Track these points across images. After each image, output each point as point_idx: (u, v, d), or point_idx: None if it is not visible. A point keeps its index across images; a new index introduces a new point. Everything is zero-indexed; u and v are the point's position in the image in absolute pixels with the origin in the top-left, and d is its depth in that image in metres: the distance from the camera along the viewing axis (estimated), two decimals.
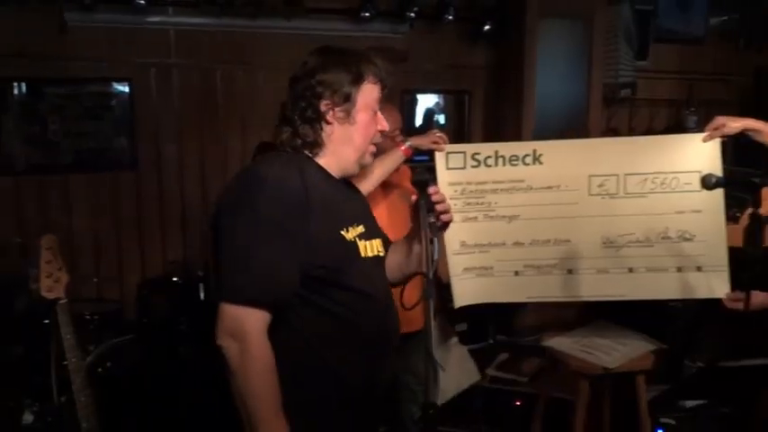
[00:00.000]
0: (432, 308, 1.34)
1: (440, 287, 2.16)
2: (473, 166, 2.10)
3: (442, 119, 4.61)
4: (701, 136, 2.01)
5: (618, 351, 2.24)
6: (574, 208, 2.10)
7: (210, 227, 1.42)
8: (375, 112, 1.52)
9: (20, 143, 3.54)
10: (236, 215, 1.34)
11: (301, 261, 1.35)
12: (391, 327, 1.54)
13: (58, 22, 3.43)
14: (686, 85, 4.62)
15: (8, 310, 2.98)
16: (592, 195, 2.10)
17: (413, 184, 1.65)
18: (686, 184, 2.05)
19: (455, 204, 2.02)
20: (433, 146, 2.25)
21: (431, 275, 1.38)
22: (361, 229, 1.49)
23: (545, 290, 2.15)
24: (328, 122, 1.46)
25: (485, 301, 2.17)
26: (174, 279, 3.42)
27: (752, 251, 1.65)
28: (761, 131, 1.90)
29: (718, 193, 2.02)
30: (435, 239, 1.43)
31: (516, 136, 3.99)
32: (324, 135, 1.46)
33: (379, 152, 2.42)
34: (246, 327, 1.29)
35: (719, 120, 1.96)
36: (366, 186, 2.26)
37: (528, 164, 2.09)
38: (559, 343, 2.35)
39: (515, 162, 2.10)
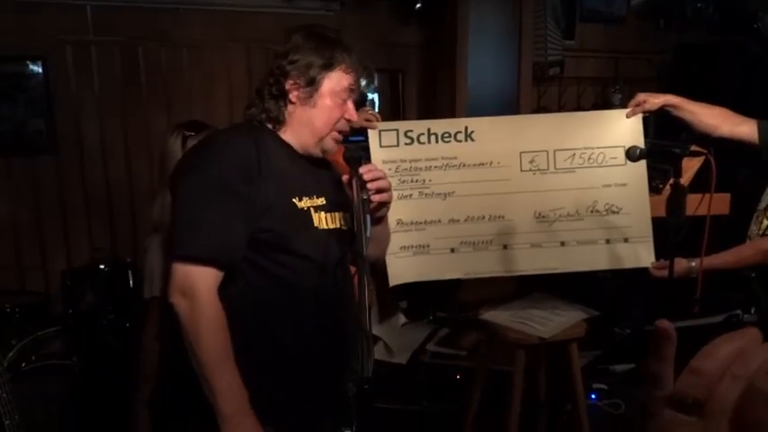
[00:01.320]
0: (366, 284, 1.33)
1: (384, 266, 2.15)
2: (406, 144, 2.09)
3: (375, 98, 4.59)
4: (624, 112, 2.08)
5: (552, 321, 2.31)
6: (507, 184, 2.13)
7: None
8: (344, 101, 1.54)
9: None
10: (187, 178, 1.42)
11: (249, 223, 1.40)
12: (341, 297, 1.55)
13: None
14: (611, 64, 4.78)
15: None
16: (524, 171, 2.13)
17: (345, 161, 1.63)
18: (612, 158, 2.12)
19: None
20: (366, 124, 2.26)
21: (364, 252, 1.37)
22: (320, 201, 1.53)
23: (481, 265, 2.17)
24: (291, 102, 1.51)
25: (422, 279, 2.18)
26: (102, 267, 3.26)
27: (674, 220, 1.73)
28: (679, 107, 1.99)
29: (642, 166, 2.10)
30: (368, 217, 1.42)
31: (450, 114, 4.01)
32: (285, 113, 1.51)
33: None
34: (196, 284, 1.33)
35: (641, 96, 2.04)
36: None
37: (460, 140, 2.10)
38: (496, 316, 2.40)
39: (447, 139, 2.10)
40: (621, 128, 2.10)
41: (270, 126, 1.53)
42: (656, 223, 2.12)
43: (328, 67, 1.50)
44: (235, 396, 1.34)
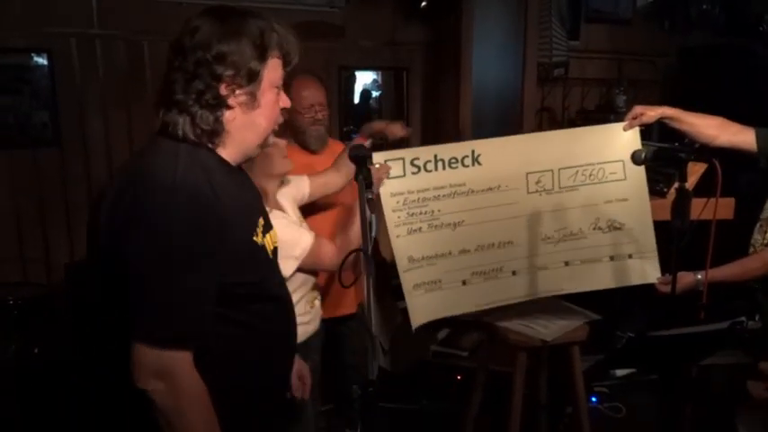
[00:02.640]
0: (371, 285, 1.32)
1: (382, 266, 2.13)
2: (413, 173, 1.99)
3: (378, 96, 4.59)
4: (621, 125, 2.06)
5: (555, 324, 2.30)
6: (514, 208, 2.08)
7: (100, 241, 1.18)
8: (279, 90, 1.33)
9: None
10: (142, 238, 1.12)
11: (221, 282, 1.19)
12: (295, 323, 1.44)
13: None
14: (616, 65, 4.76)
15: None
16: (530, 193, 2.08)
17: (351, 160, 1.63)
18: (611, 173, 2.09)
19: (399, 217, 1.96)
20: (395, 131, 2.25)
21: (369, 252, 1.37)
22: (261, 221, 1.34)
23: (491, 295, 2.11)
24: (229, 107, 1.23)
25: (438, 317, 2.10)
26: None
27: (679, 224, 1.72)
28: (676, 118, 2.00)
29: (642, 180, 2.09)
30: (374, 216, 1.41)
31: (454, 113, 4.01)
32: (224, 122, 1.23)
33: (301, 133, 2.39)
34: (173, 368, 1.13)
35: (638, 109, 2.04)
36: (335, 181, 2.22)
37: (467, 165, 2.02)
38: (497, 317, 2.39)
39: (455, 165, 2.02)
40: (620, 141, 2.06)
41: (206, 142, 1.24)
42: (660, 227, 2.11)
43: (264, 54, 1.24)
44: None
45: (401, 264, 1.98)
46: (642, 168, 2.07)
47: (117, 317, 1.17)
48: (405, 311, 2.01)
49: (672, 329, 1.71)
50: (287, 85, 2.42)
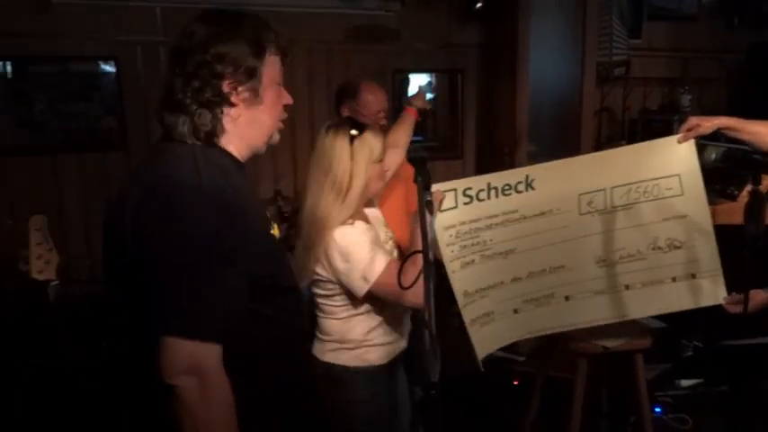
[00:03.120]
0: (432, 287, 1.32)
1: (439, 266, 2.12)
2: (465, 204, 1.90)
3: (433, 98, 4.57)
4: (675, 138, 1.94)
5: (617, 330, 2.23)
6: (566, 231, 1.98)
7: (122, 245, 1.18)
8: (280, 86, 1.34)
9: (7, 123, 3.47)
10: (176, 236, 1.13)
11: (249, 276, 1.21)
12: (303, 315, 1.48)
13: None
14: (680, 64, 4.61)
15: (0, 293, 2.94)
16: (582, 215, 1.99)
17: (409, 161, 1.62)
18: (667, 189, 1.98)
19: (452, 251, 1.88)
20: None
21: (429, 254, 1.36)
22: (268, 214, 1.38)
23: (544, 322, 2.03)
24: (233, 104, 1.25)
25: (495, 348, 2.02)
26: None
27: (753, 229, 1.65)
28: (736, 128, 1.89)
29: (701, 195, 1.96)
30: (432, 218, 1.40)
31: (511, 114, 3.96)
32: (227, 120, 1.26)
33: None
34: (206, 363, 1.14)
35: (693, 120, 1.93)
36: (396, 159, 2.21)
37: (521, 191, 1.94)
38: None
39: (508, 192, 1.93)
40: (674, 155, 1.95)
41: (215, 142, 1.27)
42: (729, 232, 2.01)
43: (262, 51, 1.26)
44: None
45: (459, 300, 1.90)
46: (700, 181, 1.96)
47: (133, 317, 1.20)
48: (459, 315, 1.97)
49: (742, 339, 1.63)
50: (354, 91, 2.48)
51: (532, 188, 1.94)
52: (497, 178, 1.94)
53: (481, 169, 2.36)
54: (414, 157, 1.51)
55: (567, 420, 2.27)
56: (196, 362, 1.12)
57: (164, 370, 1.12)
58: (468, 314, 1.92)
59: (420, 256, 1.34)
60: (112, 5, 3.50)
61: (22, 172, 3.50)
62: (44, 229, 1.98)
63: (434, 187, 1.72)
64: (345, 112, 2.46)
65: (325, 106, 4.04)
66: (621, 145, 2.34)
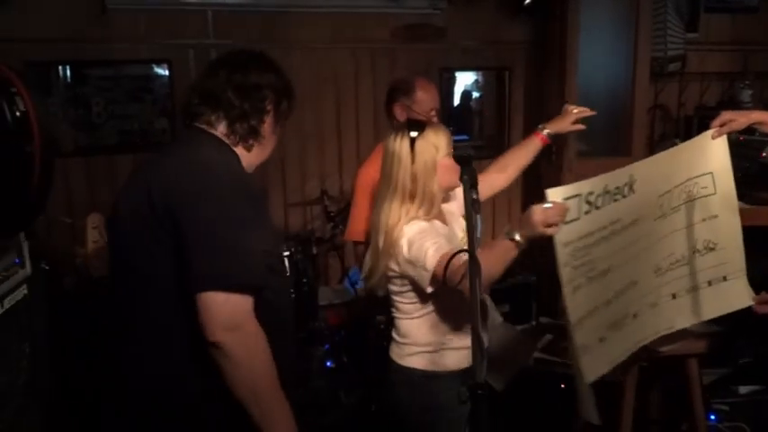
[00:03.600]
0: (478, 286, 1.30)
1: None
2: (586, 213, 1.61)
3: (479, 97, 4.53)
4: (708, 134, 1.84)
5: (670, 334, 2.15)
6: (644, 240, 1.78)
7: (149, 216, 1.33)
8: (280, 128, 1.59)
9: (66, 126, 3.62)
10: (213, 205, 1.30)
11: (265, 250, 1.37)
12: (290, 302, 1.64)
13: (98, 4, 3.47)
14: (740, 57, 4.42)
15: (57, 289, 3.05)
16: (655, 220, 1.80)
17: (455, 159, 1.61)
18: (703, 188, 1.87)
19: (566, 273, 1.60)
20: (575, 128, 2.11)
21: (475, 253, 1.34)
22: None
23: (619, 347, 1.82)
24: (264, 121, 1.50)
25: (591, 381, 1.77)
26: None
27: None
28: None
29: (731, 192, 1.87)
30: (478, 217, 1.38)
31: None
32: (256, 138, 1.50)
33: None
34: (242, 313, 1.26)
35: (726, 115, 1.84)
36: (503, 182, 2.19)
37: (625, 196, 1.69)
38: None
39: (617, 197, 1.68)
40: (708, 152, 1.86)
41: (243, 144, 1.49)
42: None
43: (288, 94, 1.55)
44: (292, 420, 1.33)
45: (571, 333, 1.69)
46: (731, 179, 1.86)
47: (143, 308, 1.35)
48: (507, 314, 1.93)
49: None
50: (408, 88, 2.42)
51: (633, 191, 1.71)
52: (612, 179, 1.67)
53: (528, 170, 2.28)
54: (459, 156, 1.49)
55: (617, 426, 2.21)
56: (234, 313, 1.24)
57: (206, 328, 1.22)
58: (572, 347, 1.72)
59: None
60: (165, 10, 3.61)
61: (80, 172, 3.65)
62: (101, 227, 2.06)
63: (554, 195, 1.51)
64: (398, 110, 2.42)
65: (370, 106, 4.05)
66: (676, 143, 2.21)
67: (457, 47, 4.17)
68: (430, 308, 1.83)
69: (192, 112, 1.48)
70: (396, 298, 1.87)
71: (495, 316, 2.69)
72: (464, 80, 4.48)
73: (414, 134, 1.78)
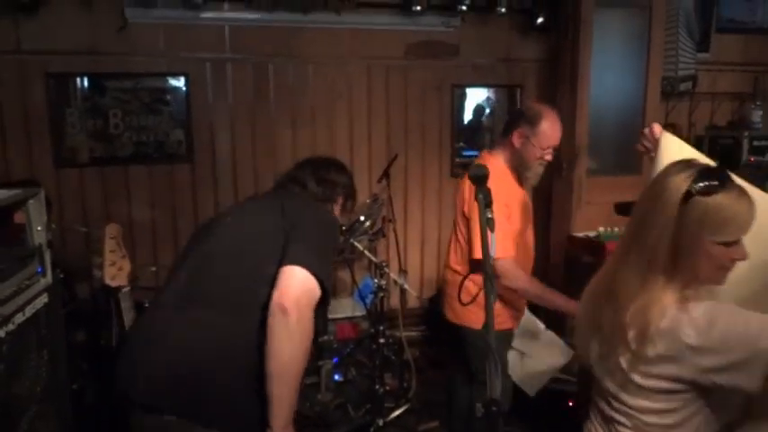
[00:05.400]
0: (492, 302, 1.32)
1: None
2: None
3: (490, 113, 4.56)
4: None
5: None
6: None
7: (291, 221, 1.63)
8: None
9: (84, 136, 3.69)
10: (325, 230, 1.68)
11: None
12: None
13: (119, 18, 3.54)
14: (751, 78, 4.44)
15: (72, 297, 3.09)
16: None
17: (470, 179, 1.63)
18: None
19: None
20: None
21: (489, 271, 1.37)
22: None
23: None
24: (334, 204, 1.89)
25: None
26: None
27: None
28: None
29: None
30: (492, 235, 1.41)
31: (569, 132, 3.90)
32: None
33: (525, 164, 2.28)
34: (310, 297, 1.43)
35: None
36: None
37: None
38: None
39: None
40: None
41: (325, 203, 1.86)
42: None
43: (355, 197, 1.95)
44: (292, 414, 1.45)
45: None
46: None
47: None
48: None
49: None
50: (534, 116, 2.24)
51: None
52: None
53: (539, 187, 2.29)
54: (475, 176, 1.51)
55: None
56: (306, 290, 1.42)
57: (283, 293, 1.40)
58: None
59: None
60: (184, 24, 3.68)
61: (96, 182, 3.70)
62: (118, 237, 2.09)
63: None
64: (515, 137, 2.28)
65: (383, 121, 4.10)
66: None
67: (469, 63, 4.21)
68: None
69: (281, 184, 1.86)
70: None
71: (538, 324, 2.72)
72: (476, 96, 4.52)
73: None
